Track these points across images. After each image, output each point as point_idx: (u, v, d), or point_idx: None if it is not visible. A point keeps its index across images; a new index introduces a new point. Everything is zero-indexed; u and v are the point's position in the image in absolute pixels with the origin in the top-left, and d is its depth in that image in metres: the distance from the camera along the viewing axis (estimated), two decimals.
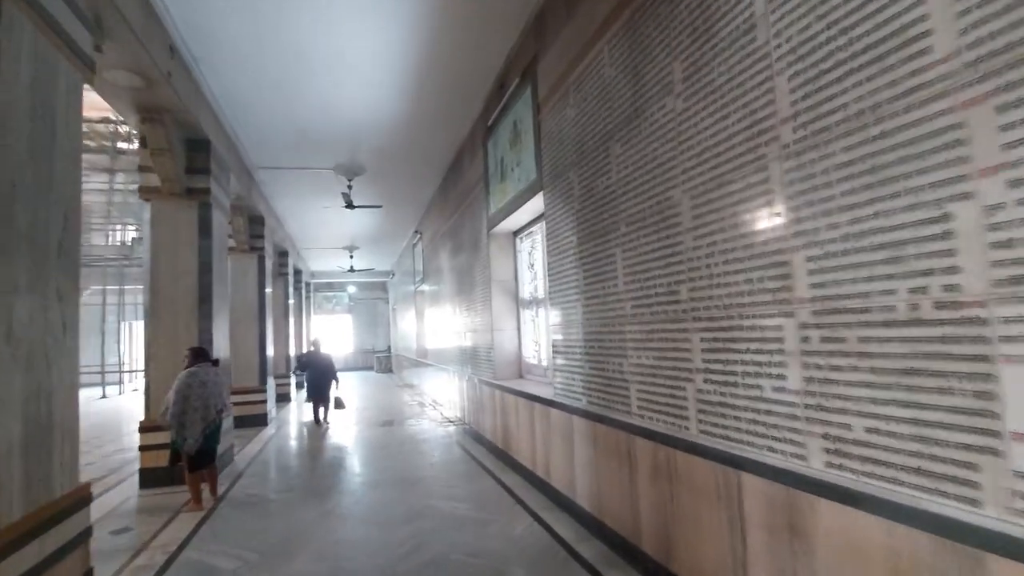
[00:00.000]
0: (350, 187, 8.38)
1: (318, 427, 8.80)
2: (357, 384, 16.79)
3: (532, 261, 5.79)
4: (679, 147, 2.60)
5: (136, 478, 5.47)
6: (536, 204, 4.90)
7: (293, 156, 7.84)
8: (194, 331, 5.62)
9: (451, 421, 8.67)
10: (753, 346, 2.16)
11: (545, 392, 4.65)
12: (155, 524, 4.30)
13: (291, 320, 13.04)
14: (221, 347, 6.12)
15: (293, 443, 7.66)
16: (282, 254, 12.57)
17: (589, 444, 3.64)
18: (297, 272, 15.91)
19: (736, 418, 2.27)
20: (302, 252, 15.78)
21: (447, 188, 8.58)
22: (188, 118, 5.33)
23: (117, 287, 16.43)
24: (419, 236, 11.95)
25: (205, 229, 5.79)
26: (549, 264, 4.35)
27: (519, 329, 6.15)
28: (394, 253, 16.64)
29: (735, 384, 2.27)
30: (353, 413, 10.32)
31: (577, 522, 3.84)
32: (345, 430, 8.50)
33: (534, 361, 5.84)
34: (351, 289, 23.09)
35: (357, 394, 13.88)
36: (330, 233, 13.25)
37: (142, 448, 5.44)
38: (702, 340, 2.46)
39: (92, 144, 11.88)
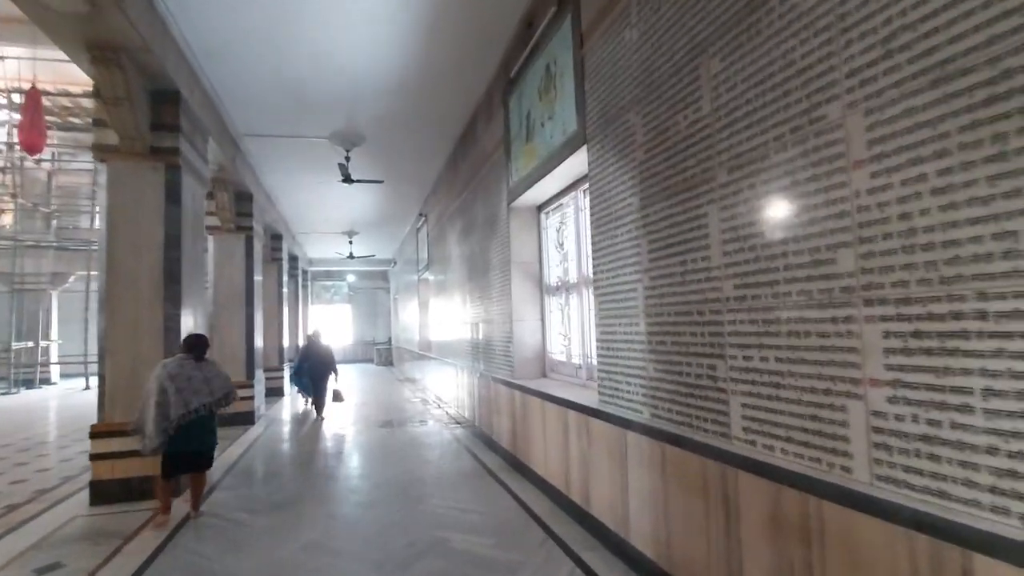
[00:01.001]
0: (347, 159, 7.45)
1: (316, 418, 8.64)
2: (356, 378, 15.93)
3: (561, 239, 4.88)
4: (842, 36, 1.68)
5: (87, 492, 4.59)
6: (574, 165, 3.99)
7: (283, 122, 6.91)
8: (158, 318, 4.73)
9: (457, 422, 7.80)
10: (1015, 346, 1.25)
11: (583, 397, 3.76)
12: (95, 557, 3.42)
13: (285, 309, 12.16)
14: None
15: (281, 446, 6.78)
16: (275, 237, 11.67)
17: (653, 471, 2.75)
18: (293, 259, 15.01)
19: (964, 464, 1.37)
20: (298, 237, 14.87)
21: (457, 161, 7.65)
22: (151, 62, 4.40)
23: None
24: (424, 220, 11.03)
25: (173, 196, 4.88)
26: (594, 238, 3.45)
27: (543, 320, 5.25)
28: (396, 239, 15.73)
29: (964, 409, 1.37)
30: (351, 411, 9.45)
31: (634, 571, 2.95)
32: (340, 431, 7.63)
33: (561, 358, 4.95)
34: (351, 278, 22.20)
35: (356, 389, 13.01)
36: (327, 216, 12.33)
37: (94, 457, 4.56)
38: (888, 335, 1.56)
39: (77, 121, 11.02)
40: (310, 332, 9.74)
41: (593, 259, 3.45)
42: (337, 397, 8.92)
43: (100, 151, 4.73)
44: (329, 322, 22.16)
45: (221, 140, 6.53)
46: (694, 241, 2.41)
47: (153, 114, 4.81)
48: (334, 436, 7.25)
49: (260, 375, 9.00)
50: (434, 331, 10.32)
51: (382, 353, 20.38)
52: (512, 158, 5.14)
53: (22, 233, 14.43)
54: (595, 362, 4.17)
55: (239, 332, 8.19)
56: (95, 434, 4.57)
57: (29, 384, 14.65)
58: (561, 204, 4.87)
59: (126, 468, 4.60)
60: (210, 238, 8.21)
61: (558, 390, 4.28)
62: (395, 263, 18.30)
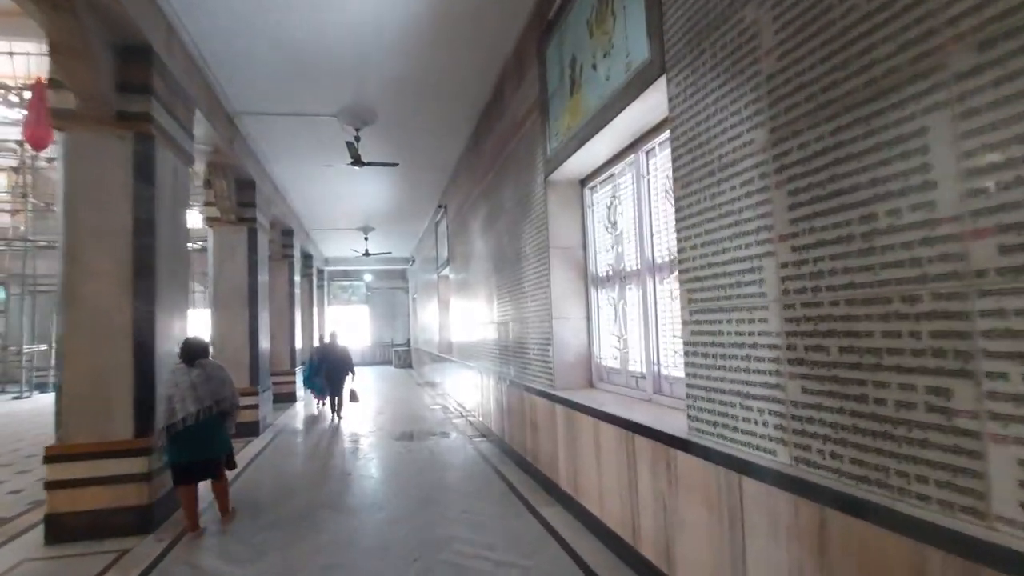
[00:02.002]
0: (357, 139, 6.61)
1: (332, 420, 8.68)
2: (373, 381, 15.16)
3: (614, 217, 3.94)
4: None
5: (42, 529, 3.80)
6: (638, 114, 3.05)
7: (284, 96, 6.10)
8: (125, 318, 3.92)
9: (483, 435, 6.89)
10: None
11: (656, 418, 2.81)
12: None
13: (297, 310, 11.43)
14: (172, 339, 4.42)
15: (281, 465, 5.95)
16: (286, 233, 10.93)
17: (800, 547, 1.79)
18: (307, 257, 14.32)
19: None
20: (312, 234, 14.17)
21: (480, 140, 6.75)
22: (114, 8, 3.60)
23: None
24: (443, 212, 10.17)
25: (144, 171, 4.07)
26: (680, 204, 2.49)
27: (589, 317, 4.31)
28: (414, 236, 14.93)
29: None
30: (366, 420, 8.63)
31: None
32: (353, 444, 6.79)
33: (614, 364, 4.00)
34: (368, 278, 21.52)
35: (373, 394, 12.21)
36: (341, 210, 11.56)
37: (50, 485, 3.77)
38: None
39: None
40: (328, 333, 9.81)
41: (678, 233, 2.50)
42: (353, 397, 9.01)
43: (58, 118, 3.95)
44: (346, 323, 21.50)
45: (214, 116, 5.74)
46: (895, 180, 1.45)
47: (119, 73, 4.01)
48: (344, 452, 6.40)
49: (267, 381, 8.23)
50: (456, 332, 9.45)
51: (401, 355, 19.64)
52: (550, 120, 4.22)
53: (35, 234, 14.00)
54: (668, 371, 3.22)
55: (242, 334, 7.42)
56: (51, 457, 3.78)
57: (43, 388, 14.23)
58: (612, 174, 3.92)
59: (91, 499, 3.82)
60: (209, 231, 7.46)
61: (616, 407, 3.34)
62: (413, 261, 17.52)
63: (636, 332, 3.64)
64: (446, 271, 10.38)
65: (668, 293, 3.22)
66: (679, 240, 2.49)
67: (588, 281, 4.33)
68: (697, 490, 2.36)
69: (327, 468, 5.62)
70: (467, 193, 7.70)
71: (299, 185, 9.49)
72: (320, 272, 18.05)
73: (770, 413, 1.94)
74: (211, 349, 4.67)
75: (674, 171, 2.52)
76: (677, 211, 2.50)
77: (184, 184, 4.86)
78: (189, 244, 12.56)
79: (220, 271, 7.39)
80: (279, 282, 10.75)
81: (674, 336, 3.18)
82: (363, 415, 9.08)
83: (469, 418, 7.98)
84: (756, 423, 2.01)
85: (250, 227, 7.54)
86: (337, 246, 16.31)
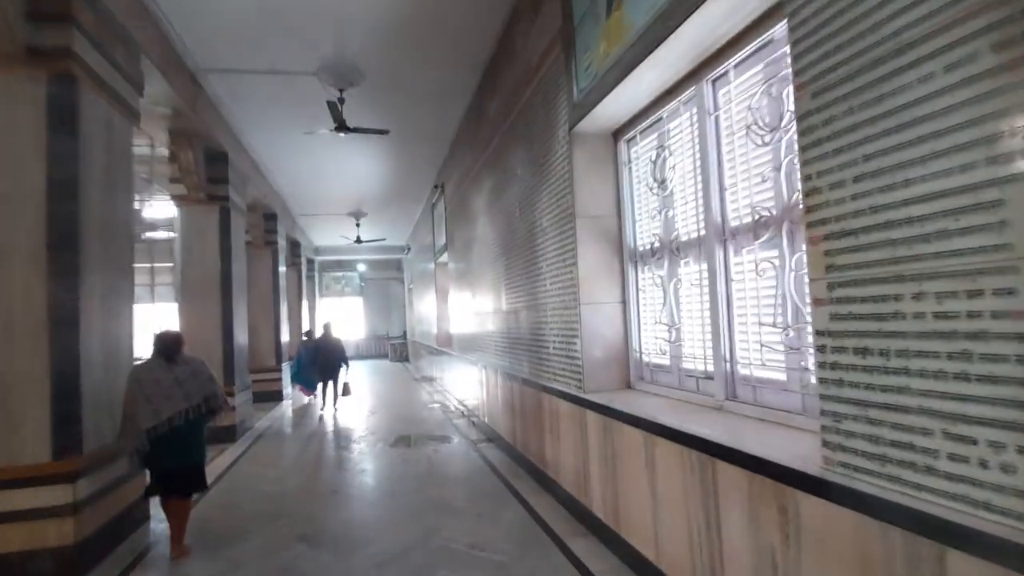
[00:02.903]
0: (342, 100, 5.73)
1: (322, 411, 8.66)
2: (368, 376, 14.33)
3: (661, 175, 3.10)
4: None
5: None
6: (715, 19, 2.22)
7: (256, 52, 5.22)
8: (39, 304, 3.06)
9: (488, 438, 6.09)
10: None
11: (765, 444, 1.99)
12: None
13: (283, 301, 10.55)
14: (109, 334, 3.58)
15: (259, 479, 5.13)
16: (269, 217, 10.04)
17: None
18: (294, 245, 13.42)
19: None
20: (299, 221, 13.26)
21: (484, 100, 5.88)
22: None
23: None
24: (439, 192, 9.31)
25: (63, 121, 3.19)
26: (810, 121, 1.65)
27: (626, 302, 3.48)
28: (408, 222, 14.05)
29: None
30: (360, 421, 7.81)
31: None
32: (343, 451, 5.97)
33: (661, 360, 3.19)
34: (361, 268, 20.62)
35: (367, 391, 11.39)
36: (329, 192, 10.66)
37: None
38: None
39: None
40: (322, 325, 9.58)
41: (805, 168, 1.65)
42: (346, 390, 8.96)
43: None
44: (340, 315, 20.61)
45: (172, 72, 4.86)
46: None
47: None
48: (332, 462, 5.58)
49: (245, 379, 7.39)
50: (456, 324, 8.61)
51: (397, 348, 18.81)
52: (577, 55, 3.36)
53: None
54: (751, 370, 2.40)
55: (214, 328, 6.56)
56: None
57: None
58: (660, 118, 3.09)
59: (7, 538, 2.98)
60: (176, 211, 6.58)
61: (675, 416, 2.53)
62: (408, 250, 16.65)
63: (695, 320, 2.82)
64: (444, 257, 9.53)
65: (752, 266, 2.39)
66: (807, 179, 1.65)
67: (625, 257, 3.49)
68: (843, 556, 1.54)
69: (310, 484, 4.80)
70: (468, 167, 6.84)
71: (281, 162, 8.59)
72: (310, 262, 17.16)
73: (1019, 450, 1.12)
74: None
75: (797, 75, 1.68)
76: (803, 134, 1.66)
77: (124, 142, 3.98)
78: (158, 232, 11.53)
79: (188, 256, 6.52)
80: (261, 271, 9.88)
81: (759, 324, 2.36)
82: (356, 415, 8.25)
83: (472, 419, 7.17)
84: (979, 464, 1.19)
85: (222, 206, 6.66)
86: (327, 234, 15.41)
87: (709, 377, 2.73)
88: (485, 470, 4.92)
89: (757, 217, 2.35)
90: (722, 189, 2.60)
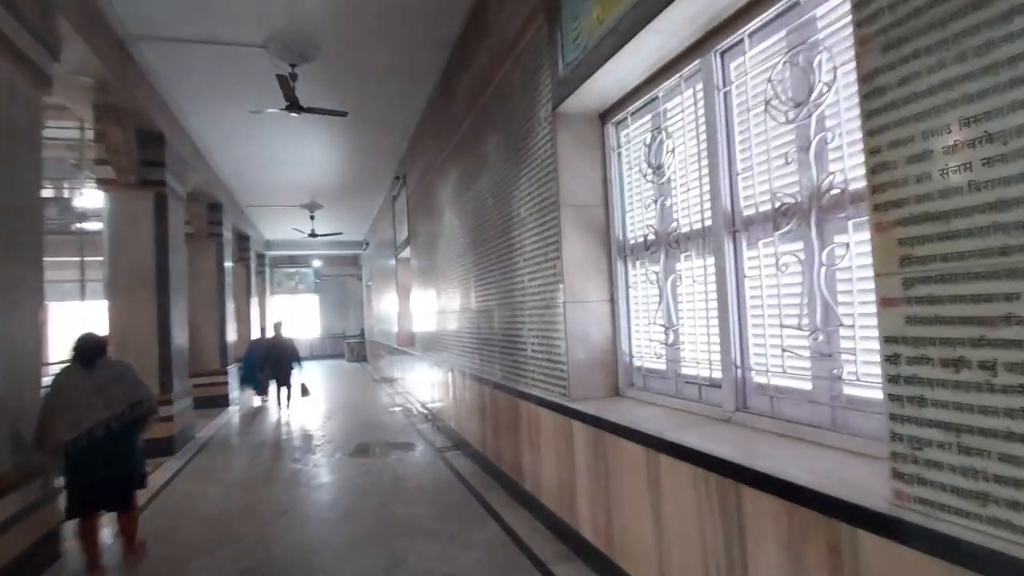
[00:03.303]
0: (294, 76, 5.20)
1: (278, 409, 8.59)
2: (324, 377, 13.63)
3: (657, 160, 2.79)
4: None
5: None
6: None
7: (196, 18, 4.63)
8: None
9: (455, 445, 5.71)
10: None
11: (810, 468, 1.69)
12: None
13: (229, 298, 9.78)
14: (10, 336, 3.00)
15: (198, 498, 4.57)
16: (213, 207, 9.27)
17: None
18: (242, 238, 12.58)
19: None
20: (248, 212, 12.42)
21: (452, 81, 5.47)
22: None
23: None
24: (401, 184, 8.81)
25: None
26: (880, 80, 1.36)
27: (615, 300, 3.18)
28: (367, 216, 13.42)
29: None
30: (315, 428, 7.25)
31: None
32: (296, 464, 5.44)
33: (654, 363, 2.90)
34: (316, 264, 19.71)
35: (323, 393, 10.76)
36: (281, 182, 9.96)
37: None
38: None
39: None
40: (272, 325, 9.32)
41: (871, 138, 1.36)
42: (304, 391, 8.86)
43: None
44: (293, 314, 19.66)
45: (94, 34, 4.22)
46: None
47: None
48: (284, 476, 5.06)
49: (185, 384, 6.71)
50: (418, 322, 8.16)
51: (354, 348, 18.08)
52: (563, 24, 3.02)
53: None
54: (769, 378, 2.13)
55: (148, 328, 5.89)
56: None
57: None
58: (655, 97, 2.79)
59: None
60: (104, 197, 5.86)
61: (681, 431, 2.24)
62: (367, 245, 15.97)
63: (698, 320, 2.54)
64: (406, 253, 9.05)
65: (770, 260, 2.12)
66: (874, 153, 1.36)
67: (613, 251, 3.18)
68: None
69: (258, 502, 4.28)
70: (433, 156, 6.40)
71: (226, 146, 7.88)
72: (260, 257, 16.23)
73: None
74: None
75: (861, 25, 1.38)
76: (869, 97, 1.36)
77: (32, 112, 3.37)
78: (91, 222, 10.53)
79: (118, 248, 5.82)
80: (205, 265, 9.12)
81: (779, 326, 2.08)
82: (311, 421, 7.68)
83: (437, 423, 6.76)
84: None
85: (158, 192, 5.98)
86: (279, 227, 14.56)
87: (715, 385, 2.45)
88: (454, 482, 4.54)
89: (778, 205, 2.07)
90: (733, 174, 2.31)
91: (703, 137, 2.47)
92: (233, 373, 9.92)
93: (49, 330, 17.19)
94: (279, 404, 8.72)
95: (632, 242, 3.07)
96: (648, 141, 2.87)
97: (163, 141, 6.00)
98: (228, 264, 9.82)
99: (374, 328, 15.22)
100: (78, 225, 12.18)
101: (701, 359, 2.53)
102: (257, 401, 10.00)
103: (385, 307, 12.18)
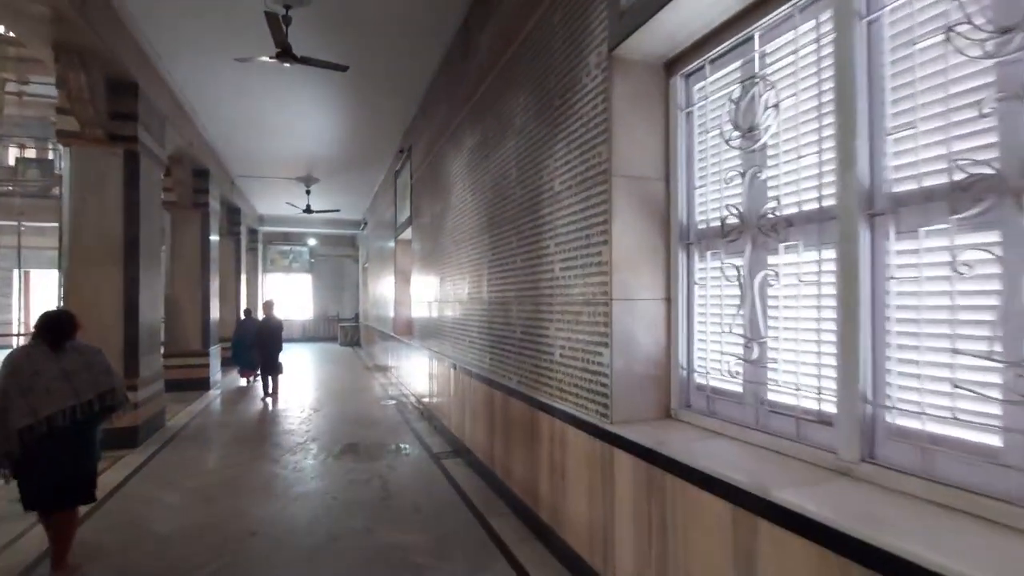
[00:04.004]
0: (287, 19, 4.47)
1: (263, 399, 7.93)
2: (315, 362, 13.00)
3: (750, 120, 2.12)
4: None
5: None
6: None
7: None
8: None
9: (453, 450, 5.09)
10: None
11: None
12: None
13: (214, 274, 9.08)
14: None
15: (155, 506, 3.94)
16: (199, 174, 8.54)
17: None
18: (233, 211, 11.85)
19: None
20: (240, 183, 11.67)
21: (473, 31, 4.75)
22: None
23: (13, 223, 12.22)
24: (405, 157, 8.10)
25: None
26: None
27: (673, 299, 2.52)
28: (366, 193, 12.69)
29: None
30: (300, 421, 6.61)
31: None
32: (274, 466, 4.81)
33: (724, 382, 2.26)
34: (312, 242, 18.97)
35: (313, 380, 10.13)
36: (273, 149, 9.22)
37: None
38: None
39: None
40: (263, 304, 8.55)
41: None
42: (279, 369, 8.23)
43: None
44: (286, 293, 18.98)
45: None
46: None
47: None
48: (257, 482, 4.42)
49: (155, 367, 6.05)
50: (418, 309, 7.49)
51: (348, 332, 17.42)
52: None
53: None
54: (928, 424, 1.47)
55: (113, 305, 5.21)
56: None
57: None
58: (751, 38, 2.11)
59: None
60: (64, 153, 5.15)
61: (788, 489, 1.60)
62: (365, 225, 15.25)
63: (802, 332, 1.90)
64: (407, 234, 8.37)
65: (940, 256, 1.48)
66: None
67: (673, 237, 2.53)
68: None
69: (222, 518, 3.64)
70: (444, 123, 5.70)
71: (214, 106, 7.15)
72: (253, 232, 15.49)
73: None
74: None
75: None
76: None
77: None
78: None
79: (80, 212, 5.12)
80: (187, 237, 8.43)
81: (953, 352, 1.44)
82: (297, 413, 7.04)
83: (434, 423, 6.13)
84: None
85: (128, 150, 5.26)
86: (273, 201, 13.81)
87: (823, 421, 1.81)
88: (455, 500, 3.92)
89: (962, 177, 1.42)
90: (878, 133, 1.65)
91: (827, 86, 1.81)
92: (215, 354, 9.26)
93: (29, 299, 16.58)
94: (265, 391, 8.11)
95: (701, 227, 2.41)
96: (736, 95, 2.19)
97: (136, 91, 5.27)
98: (214, 238, 9.12)
99: (369, 312, 14.56)
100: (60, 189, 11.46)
101: (803, 384, 1.89)
102: (242, 382, 9.40)
103: (382, 291, 11.51)
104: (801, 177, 1.92)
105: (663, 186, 2.55)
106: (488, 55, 4.20)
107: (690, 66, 2.46)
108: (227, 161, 9.88)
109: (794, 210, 1.94)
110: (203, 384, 8.64)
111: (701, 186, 2.42)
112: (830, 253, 1.81)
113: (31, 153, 13.63)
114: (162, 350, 8.43)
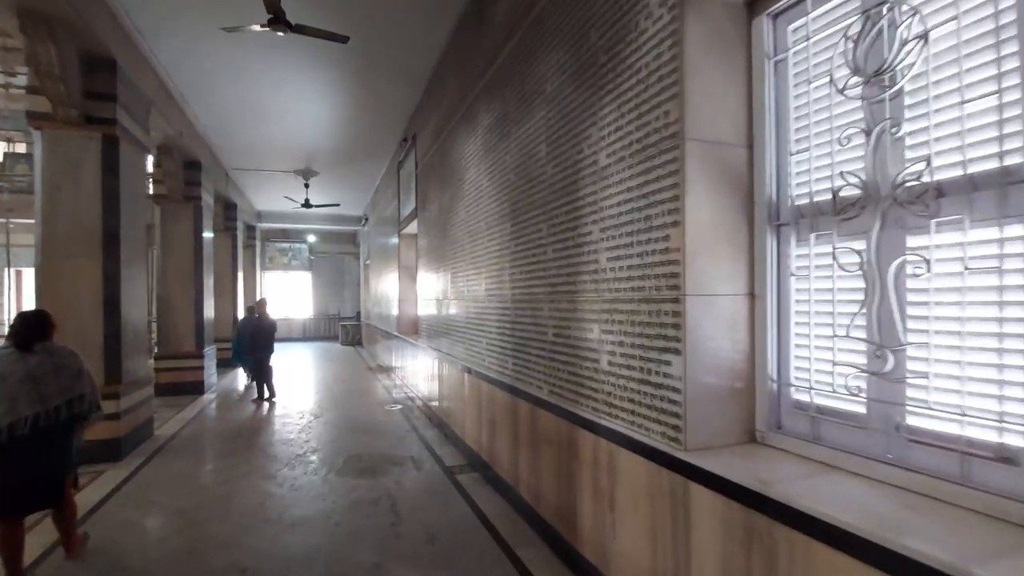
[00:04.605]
0: None
1: (258, 405, 7.43)
2: (315, 362, 12.52)
3: (877, 62, 1.61)
4: None
5: None
6: None
7: None
8: None
9: (469, 463, 4.60)
10: None
11: None
12: None
13: (208, 271, 8.58)
14: None
15: (121, 541, 3.45)
16: (191, 166, 8.03)
17: None
18: (229, 206, 11.35)
19: None
20: (235, 177, 11.16)
21: (484, 4, 4.25)
22: None
23: (2, 220, 11.75)
24: (410, 145, 7.60)
25: None
26: None
27: (760, 294, 2.03)
28: (367, 187, 12.19)
29: None
30: (299, 429, 6.12)
31: None
32: (269, 483, 4.32)
33: (840, 401, 1.76)
34: (311, 239, 18.46)
35: (313, 382, 9.64)
36: (270, 138, 8.70)
37: None
38: None
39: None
40: (256, 303, 8.15)
41: None
42: (269, 373, 7.82)
43: None
44: (285, 292, 18.50)
45: None
46: None
47: None
48: (249, 504, 3.93)
49: (141, 372, 5.54)
50: (425, 307, 7.00)
51: (349, 331, 16.93)
52: None
53: None
54: None
55: (91, 302, 4.72)
56: None
57: None
58: None
59: None
60: (36, 137, 4.65)
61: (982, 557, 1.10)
62: (366, 221, 14.74)
63: (967, 340, 1.41)
64: (411, 227, 7.87)
65: None
66: None
67: (759, 216, 2.03)
68: None
69: (208, 548, 3.15)
70: (453, 103, 5.20)
71: (204, 91, 6.63)
72: (251, 229, 15.00)
73: None
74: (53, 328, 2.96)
75: None
76: None
77: None
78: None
79: (53, 201, 4.62)
80: (178, 232, 7.94)
81: None
82: (296, 419, 6.56)
83: (444, 430, 5.65)
84: None
85: (107, 134, 4.76)
86: (271, 197, 13.31)
87: (1006, 459, 1.32)
88: (475, 525, 3.43)
89: None
90: None
91: (1006, 3, 1.32)
92: (211, 356, 8.77)
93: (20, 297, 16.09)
94: (259, 395, 7.67)
95: (801, 202, 1.92)
96: (856, 31, 1.69)
97: (115, 69, 4.77)
98: (208, 233, 8.61)
99: (371, 311, 14.06)
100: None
101: (972, 407, 1.40)
102: (244, 383, 8.92)
103: (384, 289, 11.01)
104: (966, 128, 1.42)
105: (745, 154, 2.06)
106: (507, 17, 3.69)
107: (779, 3, 1.96)
108: (221, 153, 9.37)
109: (954, 173, 1.45)
110: (197, 388, 8.14)
111: (800, 151, 1.92)
112: (1017, 229, 1.32)
113: (20, 148, 13.14)
114: (154, 352, 7.99)
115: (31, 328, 2.76)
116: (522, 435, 3.50)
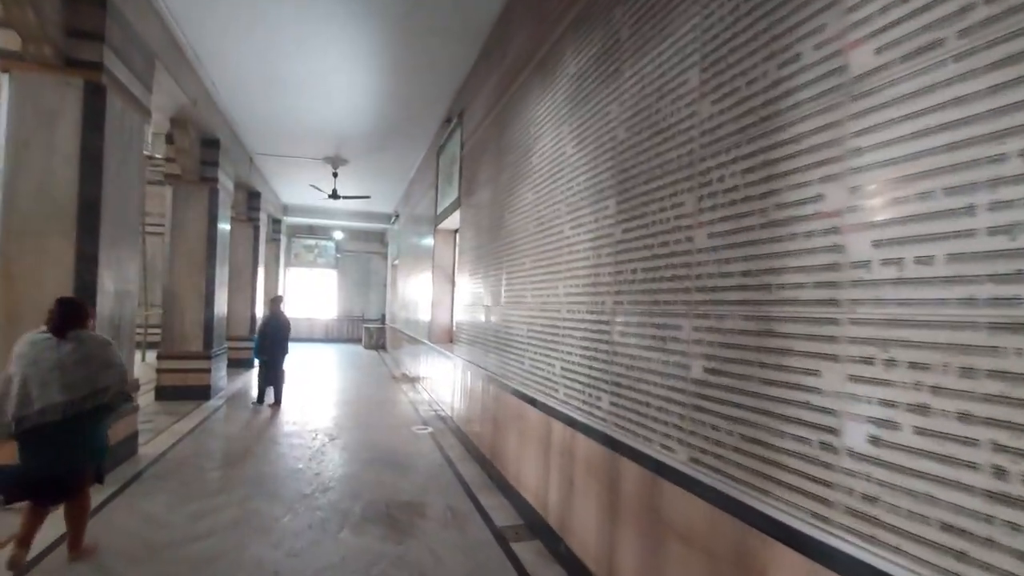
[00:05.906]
0: None
1: (259, 408, 6.90)
2: (336, 367, 11.57)
3: None
4: None
5: None
6: None
7: None
8: None
9: (529, 526, 3.47)
10: None
11: None
12: None
13: (222, 262, 7.68)
14: None
15: None
16: (209, 144, 7.16)
17: None
18: (252, 195, 10.53)
19: None
20: (259, 163, 10.33)
21: None
22: None
23: None
24: (454, 126, 6.58)
25: None
26: None
27: None
28: (400, 180, 11.24)
29: None
30: (312, 454, 5.08)
31: None
32: (265, 540, 3.26)
33: None
34: (338, 236, 17.67)
35: (332, 392, 8.65)
36: (297, 118, 7.78)
37: None
38: None
39: None
40: (271, 299, 7.40)
41: None
42: (281, 378, 7.22)
43: None
44: (309, 290, 17.75)
45: None
46: None
47: None
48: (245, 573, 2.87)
49: (130, 373, 4.56)
50: (464, 314, 5.91)
51: (372, 334, 16.04)
52: None
53: None
54: None
55: (58, 289, 3.73)
56: None
57: None
58: None
59: None
60: (4, 78, 3.73)
61: None
62: (396, 218, 13.83)
63: None
64: (449, 221, 6.86)
65: None
66: None
67: None
68: None
69: None
70: (520, 59, 4.12)
71: (224, 47, 5.68)
72: (276, 222, 14.24)
73: None
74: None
75: None
76: None
77: None
78: None
79: (20, 160, 3.68)
80: (191, 218, 7.06)
81: None
82: (307, 440, 5.53)
83: (488, 468, 4.53)
84: None
85: (90, 80, 3.82)
86: (298, 189, 12.48)
87: None
88: None
89: None
90: None
91: None
92: (221, 357, 7.86)
93: None
94: (260, 398, 7.07)
95: None
96: None
97: (103, 3, 3.83)
98: (225, 221, 7.72)
99: (397, 315, 13.10)
100: None
101: None
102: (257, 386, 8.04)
103: (414, 291, 10.00)
104: None
105: None
106: None
107: None
108: (243, 133, 8.51)
109: None
110: (202, 393, 7.21)
111: None
112: None
113: None
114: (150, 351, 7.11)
115: (65, 315, 2.73)
116: (626, 511, 2.36)
